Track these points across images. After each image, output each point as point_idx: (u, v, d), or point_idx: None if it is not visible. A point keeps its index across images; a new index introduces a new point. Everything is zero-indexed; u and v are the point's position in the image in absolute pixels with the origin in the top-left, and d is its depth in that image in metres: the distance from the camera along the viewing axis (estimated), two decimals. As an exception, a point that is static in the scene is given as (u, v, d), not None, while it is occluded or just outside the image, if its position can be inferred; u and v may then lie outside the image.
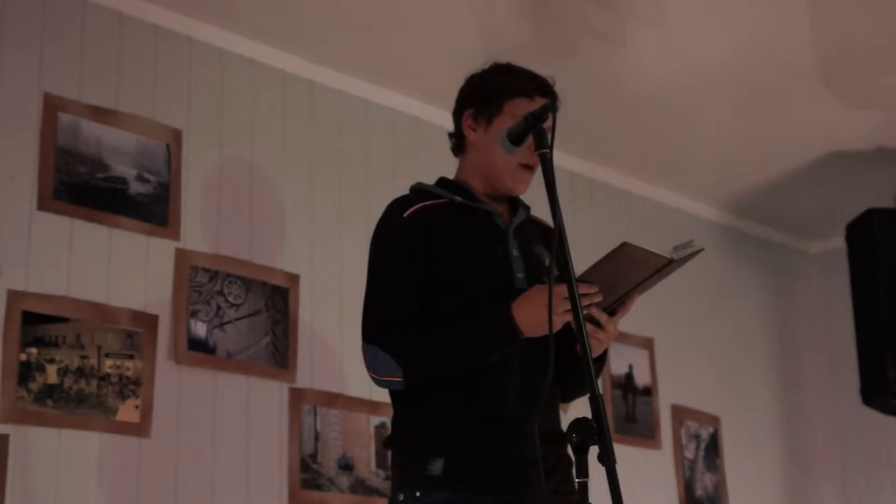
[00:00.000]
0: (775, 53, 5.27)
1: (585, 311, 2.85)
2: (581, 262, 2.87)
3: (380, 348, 3.03)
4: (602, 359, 3.12)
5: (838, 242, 6.73)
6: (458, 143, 3.33)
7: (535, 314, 2.92)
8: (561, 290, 2.84)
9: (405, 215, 3.15)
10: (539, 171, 2.88)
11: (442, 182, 3.29)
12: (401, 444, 3.12)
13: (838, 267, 6.69)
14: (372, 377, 3.08)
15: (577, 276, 2.87)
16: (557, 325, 2.91)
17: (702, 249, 2.95)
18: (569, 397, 3.26)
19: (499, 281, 3.10)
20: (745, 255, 7.10)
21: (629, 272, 2.93)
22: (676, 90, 5.54)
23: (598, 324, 2.96)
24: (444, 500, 2.98)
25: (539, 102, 3.16)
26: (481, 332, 2.99)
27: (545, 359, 3.07)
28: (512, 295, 2.99)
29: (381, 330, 3.06)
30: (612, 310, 3.02)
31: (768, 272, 7.24)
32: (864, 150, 6.22)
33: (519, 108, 3.16)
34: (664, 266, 2.93)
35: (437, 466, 2.99)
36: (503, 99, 3.21)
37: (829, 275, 7.23)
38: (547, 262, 3.22)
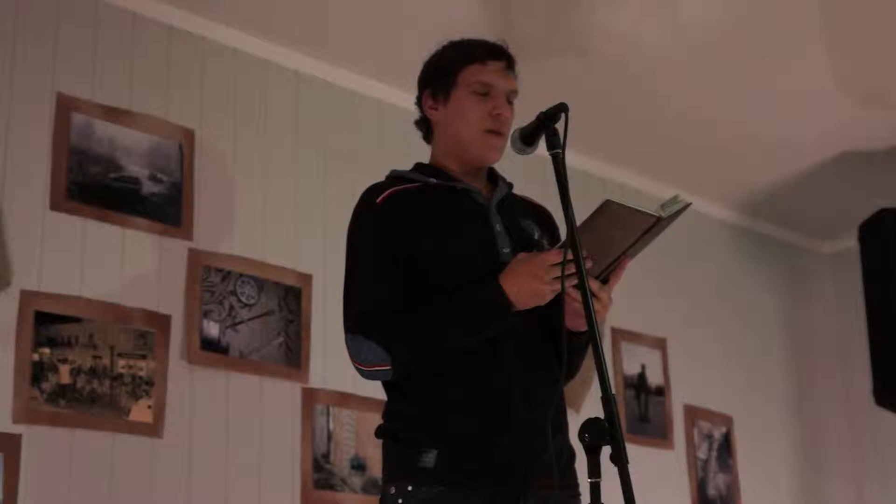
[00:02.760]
0: (786, 51, 5.27)
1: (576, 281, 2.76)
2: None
3: (364, 337, 2.93)
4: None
5: (851, 242, 6.73)
6: (426, 128, 3.27)
7: (524, 284, 2.85)
8: (548, 258, 2.82)
9: (378, 200, 3.08)
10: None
11: (418, 166, 3.23)
12: (392, 433, 3.01)
13: (851, 267, 6.68)
14: (358, 368, 2.98)
15: (562, 242, 2.82)
16: (549, 296, 2.86)
17: (689, 204, 2.86)
18: (567, 373, 3.11)
19: (484, 257, 3.02)
20: (758, 255, 7.10)
21: (617, 235, 2.83)
22: (690, 90, 5.54)
23: (591, 292, 2.79)
24: (438, 495, 2.88)
25: (492, 66, 3.14)
26: (471, 309, 2.91)
27: (542, 343, 3.03)
28: (499, 270, 2.90)
29: (364, 318, 2.96)
30: (605, 277, 2.91)
31: (781, 272, 7.23)
32: (877, 150, 6.22)
33: (473, 76, 3.13)
34: (653, 225, 2.83)
35: (430, 458, 2.89)
36: (456, 70, 3.15)
37: (842, 275, 7.22)
38: (536, 236, 3.16)
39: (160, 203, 4.50)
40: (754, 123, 5.90)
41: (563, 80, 5.21)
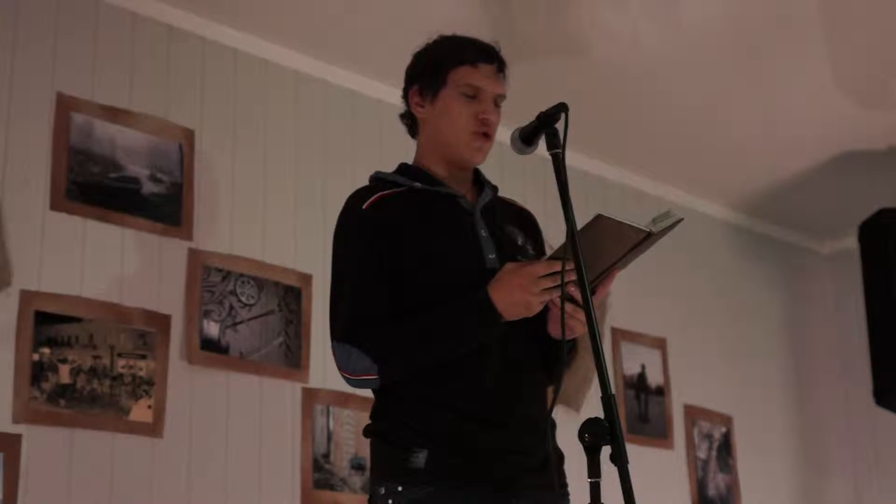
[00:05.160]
0: (786, 51, 5.27)
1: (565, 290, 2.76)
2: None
3: (352, 346, 2.93)
4: (574, 343, 3.05)
5: (851, 242, 6.73)
6: (411, 124, 3.26)
7: (513, 295, 2.84)
8: (537, 269, 2.81)
9: (364, 207, 3.05)
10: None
11: (402, 168, 3.21)
12: (381, 433, 3.00)
13: (851, 267, 6.69)
14: (345, 377, 2.98)
15: (552, 253, 2.82)
16: (537, 307, 2.86)
17: (681, 220, 2.84)
18: (553, 376, 3.10)
19: (470, 264, 3.01)
20: (757, 255, 7.10)
21: (607, 247, 2.82)
22: (691, 90, 5.54)
23: (577, 303, 2.80)
24: (429, 495, 2.86)
25: (483, 69, 3.12)
26: (459, 320, 2.90)
27: (527, 344, 3.02)
28: (485, 277, 2.90)
29: (351, 327, 2.95)
30: (592, 288, 2.86)
31: (781, 272, 7.23)
32: (877, 149, 6.21)
33: (462, 77, 3.11)
34: (643, 239, 2.82)
35: (420, 458, 2.88)
36: (445, 70, 3.13)
37: (842, 274, 7.22)
38: (520, 242, 3.15)
39: (160, 203, 4.50)
40: (754, 123, 5.91)
41: (563, 80, 5.22)
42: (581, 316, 2.78)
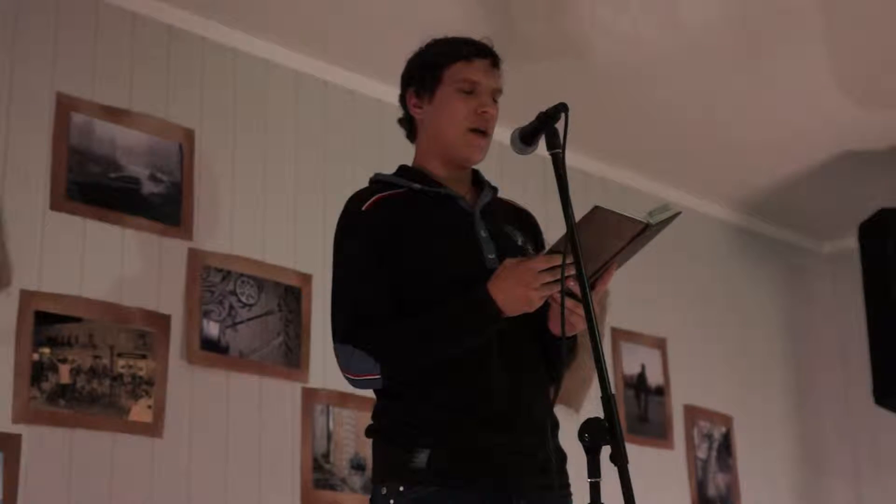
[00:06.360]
0: (786, 51, 5.27)
1: (565, 285, 2.76)
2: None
3: (353, 346, 2.93)
4: (575, 341, 3.04)
5: (851, 242, 6.73)
6: (409, 127, 3.26)
7: (512, 291, 2.83)
8: (537, 264, 2.81)
9: (364, 208, 3.06)
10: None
11: (401, 170, 3.21)
12: (383, 433, 3.01)
13: (851, 267, 6.68)
14: (347, 378, 2.98)
15: (550, 247, 2.82)
16: (538, 302, 2.86)
17: (678, 213, 2.86)
18: (553, 374, 3.10)
19: (469, 264, 3.00)
20: (757, 255, 7.10)
21: (605, 241, 2.82)
22: (690, 90, 5.54)
23: (577, 298, 2.78)
24: (431, 495, 2.87)
25: (477, 64, 3.13)
26: (460, 317, 2.90)
27: (527, 343, 3.02)
28: (485, 277, 2.89)
29: (352, 327, 2.95)
30: (591, 283, 2.86)
31: (781, 272, 7.23)
32: (877, 149, 6.22)
33: (458, 73, 3.12)
34: (640, 232, 2.83)
35: (422, 458, 2.88)
36: (441, 67, 3.14)
37: (842, 275, 7.23)
38: (520, 242, 3.15)
39: (160, 203, 4.50)
40: (754, 123, 5.91)
41: (563, 80, 5.21)
42: (581, 311, 2.77)
